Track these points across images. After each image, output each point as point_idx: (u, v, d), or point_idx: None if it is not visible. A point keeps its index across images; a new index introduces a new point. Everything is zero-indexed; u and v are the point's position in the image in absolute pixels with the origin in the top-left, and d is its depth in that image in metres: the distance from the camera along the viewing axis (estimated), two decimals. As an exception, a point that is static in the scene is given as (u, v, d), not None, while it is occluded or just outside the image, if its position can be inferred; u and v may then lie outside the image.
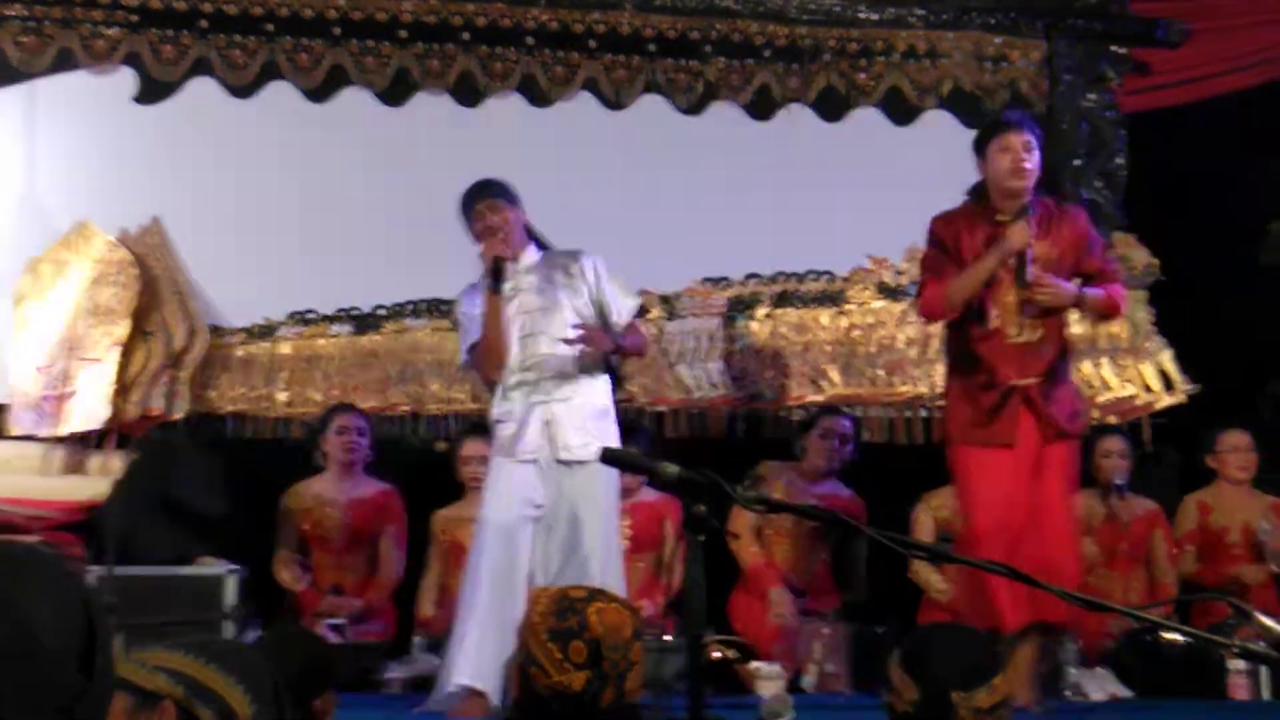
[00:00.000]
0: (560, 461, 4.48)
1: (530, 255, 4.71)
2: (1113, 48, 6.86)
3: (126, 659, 1.88)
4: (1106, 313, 4.88)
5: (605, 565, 4.43)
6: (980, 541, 4.44)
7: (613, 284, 4.68)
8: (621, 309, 4.68)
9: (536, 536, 4.45)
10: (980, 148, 4.74)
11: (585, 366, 4.57)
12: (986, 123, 4.97)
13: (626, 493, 5.66)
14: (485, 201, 4.63)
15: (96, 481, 5.67)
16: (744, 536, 5.67)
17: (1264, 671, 4.91)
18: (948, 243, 4.73)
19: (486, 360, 4.60)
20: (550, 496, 4.47)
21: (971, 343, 4.69)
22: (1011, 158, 4.64)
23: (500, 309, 4.54)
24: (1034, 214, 4.64)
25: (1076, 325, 6.44)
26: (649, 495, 5.71)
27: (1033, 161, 4.65)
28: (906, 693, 2.65)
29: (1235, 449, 5.83)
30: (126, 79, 6.30)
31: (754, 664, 4.93)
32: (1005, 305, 4.64)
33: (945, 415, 4.94)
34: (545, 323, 4.58)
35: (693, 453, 5.58)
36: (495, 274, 4.52)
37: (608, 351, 4.61)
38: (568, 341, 4.52)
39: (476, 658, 4.30)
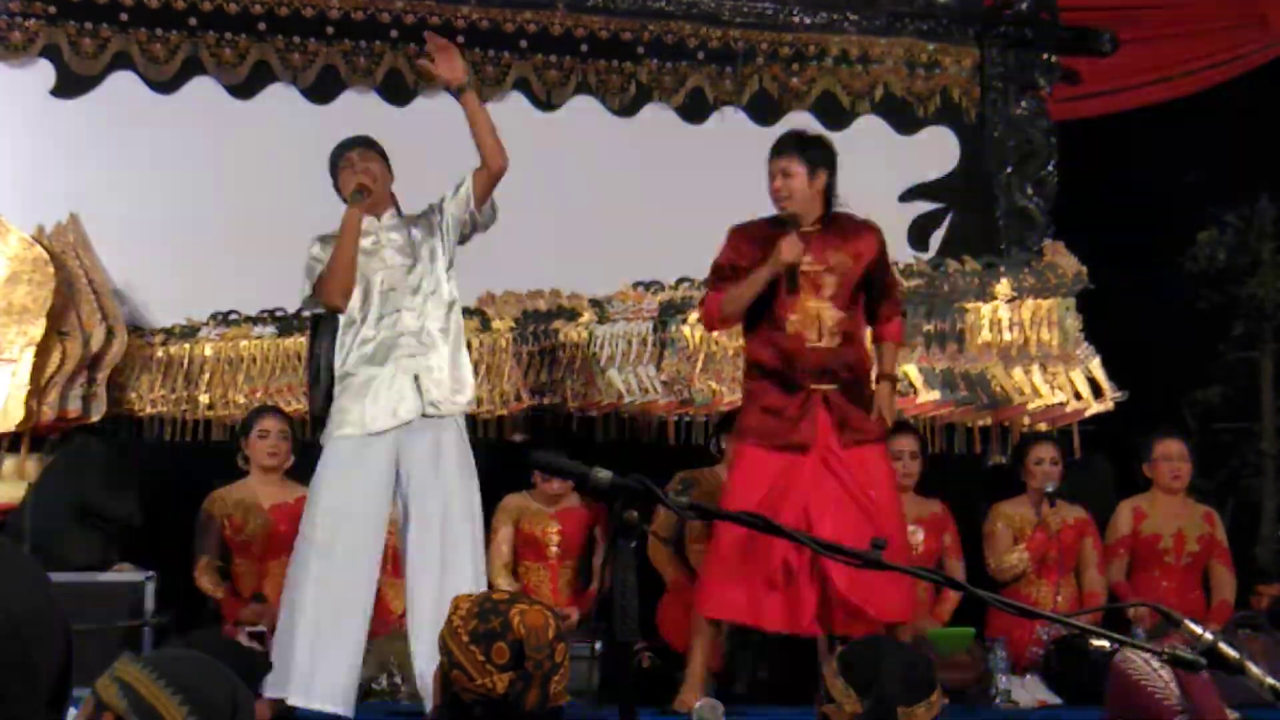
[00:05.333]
0: (425, 416, 4.50)
1: (393, 216, 4.76)
2: (1043, 56, 6.93)
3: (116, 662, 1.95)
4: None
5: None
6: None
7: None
8: None
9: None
10: None
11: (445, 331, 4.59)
12: None
13: (555, 499, 5.62)
14: (359, 150, 4.70)
15: (10, 485, 5.57)
16: (662, 551, 5.61)
17: (1191, 678, 4.92)
18: (739, 253, 4.82)
19: (332, 282, 4.55)
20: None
21: (771, 349, 4.78)
22: (772, 182, 4.78)
23: (357, 226, 4.55)
24: (822, 230, 4.76)
25: (1007, 332, 6.50)
26: (577, 501, 5.65)
27: (791, 186, 4.73)
28: (848, 705, 2.64)
29: (1168, 457, 5.84)
30: (44, 72, 6.16)
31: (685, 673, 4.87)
32: (805, 310, 4.73)
33: (740, 415, 5.01)
34: (406, 279, 4.60)
35: (623, 458, 5.51)
36: (359, 193, 4.56)
37: (453, 83, 4.57)
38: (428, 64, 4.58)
39: None
